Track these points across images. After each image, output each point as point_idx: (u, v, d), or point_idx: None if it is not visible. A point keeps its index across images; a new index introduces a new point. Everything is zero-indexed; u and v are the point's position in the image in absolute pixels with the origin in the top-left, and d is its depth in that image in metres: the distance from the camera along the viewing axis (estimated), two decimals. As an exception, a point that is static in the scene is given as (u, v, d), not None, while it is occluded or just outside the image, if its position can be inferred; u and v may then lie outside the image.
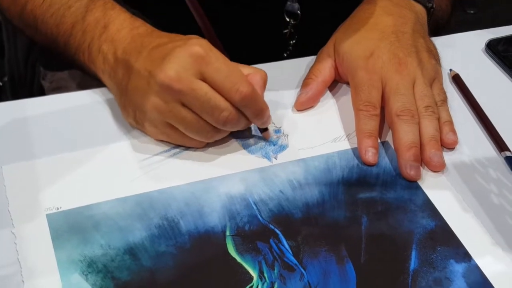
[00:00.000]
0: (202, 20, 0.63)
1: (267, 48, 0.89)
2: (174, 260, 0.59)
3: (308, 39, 0.91)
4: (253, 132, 0.71)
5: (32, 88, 1.07)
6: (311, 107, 0.76)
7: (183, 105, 0.63)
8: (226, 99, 0.63)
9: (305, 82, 0.76)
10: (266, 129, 0.70)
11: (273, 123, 0.72)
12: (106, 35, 0.70)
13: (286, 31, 0.90)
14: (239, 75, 0.63)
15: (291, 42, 0.91)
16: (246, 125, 0.67)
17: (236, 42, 0.87)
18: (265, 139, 0.70)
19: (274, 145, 0.70)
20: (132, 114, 0.68)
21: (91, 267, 0.58)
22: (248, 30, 0.88)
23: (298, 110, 0.75)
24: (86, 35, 0.71)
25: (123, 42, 0.68)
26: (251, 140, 0.70)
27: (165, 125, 0.66)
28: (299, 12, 0.89)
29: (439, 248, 0.61)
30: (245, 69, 0.67)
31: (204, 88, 0.62)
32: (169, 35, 0.68)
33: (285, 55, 0.93)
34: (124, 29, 0.69)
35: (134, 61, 0.66)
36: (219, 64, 0.63)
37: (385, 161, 0.70)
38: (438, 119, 0.72)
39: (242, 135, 0.70)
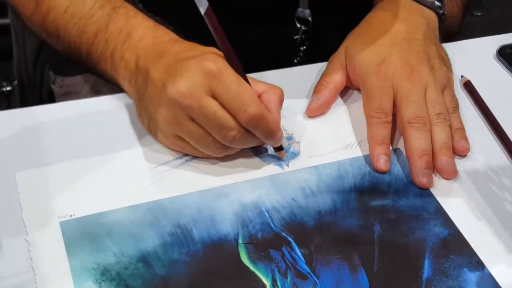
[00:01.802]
0: (218, 35, 0.63)
1: (277, 54, 0.89)
2: (187, 268, 0.59)
3: (318, 45, 0.91)
4: (268, 151, 0.70)
5: (42, 93, 1.07)
6: (323, 113, 0.75)
7: (192, 120, 0.63)
8: (235, 118, 0.63)
9: (317, 89, 0.76)
10: (281, 148, 0.69)
11: (284, 130, 0.72)
12: (129, 43, 0.70)
13: (297, 37, 0.90)
14: (249, 95, 0.63)
15: (302, 48, 0.91)
16: (258, 143, 0.67)
17: (247, 47, 0.87)
18: (281, 158, 0.69)
19: (286, 152, 0.70)
20: (147, 122, 0.68)
21: (104, 275, 0.58)
22: (259, 36, 0.88)
23: (310, 117, 0.75)
24: (109, 44, 0.71)
25: (146, 50, 0.69)
26: (263, 148, 0.70)
27: (176, 136, 0.66)
28: (310, 18, 0.89)
29: (452, 257, 0.61)
30: (261, 86, 0.66)
31: (213, 106, 0.62)
32: (189, 45, 0.68)
33: (295, 61, 0.93)
34: (147, 37, 0.70)
35: (153, 70, 0.66)
36: (229, 82, 0.62)
37: (397, 169, 0.70)
38: (450, 126, 0.72)
39: (255, 148, 0.70)
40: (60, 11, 0.75)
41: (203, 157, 0.68)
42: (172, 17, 0.79)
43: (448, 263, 0.61)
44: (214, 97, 0.63)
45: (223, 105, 0.63)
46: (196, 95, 0.62)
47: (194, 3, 0.60)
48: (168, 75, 0.64)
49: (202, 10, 0.60)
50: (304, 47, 0.91)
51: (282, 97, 0.67)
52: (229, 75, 0.63)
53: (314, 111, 0.75)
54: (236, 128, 0.63)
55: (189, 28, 0.72)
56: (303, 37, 0.90)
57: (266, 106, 0.65)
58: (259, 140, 0.66)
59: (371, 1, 0.89)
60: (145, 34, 0.70)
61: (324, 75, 0.77)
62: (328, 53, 0.81)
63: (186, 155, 0.69)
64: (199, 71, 0.63)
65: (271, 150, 0.70)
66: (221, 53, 0.65)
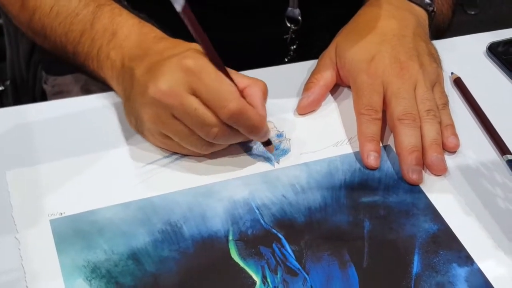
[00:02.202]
0: (196, 32, 0.62)
1: (268, 53, 0.89)
2: (177, 265, 0.59)
3: (309, 44, 0.91)
4: (259, 148, 0.70)
5: (34, 92, 1.07)
6: (313, 111, 0.76)
7: (176, 118, 0.63)
8: (216, 115, 0.63)
9: (307, 86, 0.76)
10: (269, 143, 0.69)
11: (275, 127, 0.72)
12: (114, 42, 0.70)
13: (287, 36, 0.91)
14: (228, 91, 0.62)
15: (292, 47, 0.91)
16: (244, 139, 0.67)
17: (237, 47, 0.87)
18: (270, 152, 0.69)
19: (276, 149, 0.70)
20: (134, 122, 0.68)
21: (94, 272, 0.58)
22: (249, 36, 0.88)
23: (300, 114, 0.75)
24: (95, 43, 0.72)
25: (131, 49, 0.69)
26: (253, 145, 0.70)
27: (162, 135, 0.66)
28: (299, 17, 0.89)
29: (441, 252, 0.62)
30: (243, 80, 0.66)
31: (194, 103, 0.62)
32: (174, 42, 0.68)
33: (286, 60, 0.93)
34: (132, 35, 0.70)
35: (137, 69, 0.66)
36: (209, 79, 0.62)
37: (387, 165, 0.70)
38: (440, 123, 0.72)
39: (244, 144, 0.70)
40: (45, 10, 0.75)
41: (191, 155, 0.68)
42: (157, 13, 0.79)
43: (437, 259, 0.61)
44: (195, 94, 0.63)
45: (203, 102, 0.62)
46: (177, 93, 0.62)
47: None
48: (151, 74, 0.64)
49: (178, 8, 0.59)
50: (294, 47, 0.91)
51: (266, 91, 0.67)
52: (209, 72, 0.63)
53: (305, 109, 0.75)
54: (217, 125, 0.63)
55: (175, 24, 0.72)
56: (293, 36, 0.90)
57: (249, 100, 0.64)
58: (244, 136, 0.66)
59: (361, 0, 0.89)
60: (130, 32, 0.70)
61: (314, 72, 0.77)
62: (318, 52, 0.81)
63: (176, 153, 0.69)
64: (179, 69, 0.63)
65: (261, 147, 0.70)
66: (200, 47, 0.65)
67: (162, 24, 0.73)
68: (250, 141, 0.70)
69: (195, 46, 0.66)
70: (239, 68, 0.75)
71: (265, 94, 0.67)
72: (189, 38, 0.67)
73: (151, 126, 0.65)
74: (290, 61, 0.92)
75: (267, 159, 0.69)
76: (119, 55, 0.69)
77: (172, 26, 0.72)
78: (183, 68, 0.63)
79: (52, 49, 0.77)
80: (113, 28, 0.71)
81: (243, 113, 0.63)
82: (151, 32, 0.70)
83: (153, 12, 0.77)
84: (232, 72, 0.65)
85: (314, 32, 0.92)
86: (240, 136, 0.66)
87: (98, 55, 0.71)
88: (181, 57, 0.63)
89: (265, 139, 0.68)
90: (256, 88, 0.66)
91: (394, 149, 0.71)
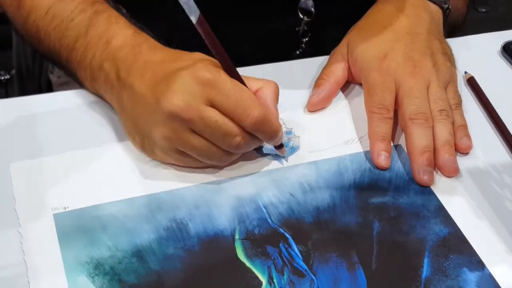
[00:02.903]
0: (212, 43, 0.60)
1: (279, 45, 0.88)
2: (182, 263, 0.58)
3: (321, 37, 0.90)
4: (267, 151, 0.69)
5: (40, 82, 1.06)
6: (323, 108, 0.74)
7: (194, 132, 0.61)
8: (238, 124, 0.61)
9: (317, 83, 0.75)
10: (281, 146, 0.67)
11: (284, 124, 0.71)
12: (108, 51, 0.67)
13: (299, 28, 0.89)
14: (249, 99, 0.61)
15: (304, 40, 0.90)
16: (259, 144, 0.66)
17: (248, 37, 0.86)
18: (282, 155, 0.68)
19: (285, 147, 0.69)
20: (139, 141, 0.66)
21: (98, 269, 0.57)
22: (261, 26, 0.87)
23: (310, 111, 0.74)
24: (88, 51, 0.69)
25: (126, 61, 0.66)
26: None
27: (177, 152, 0.64)
28: (313, 9, 0.87)
29: (452, 256, 0.60)
30: (254, 83, 0.65)
31: (213, 115, 0.61)
32: (171, 53, 0.66)
33: (297, 52, 0.91)
34: (126, 46, 0.67)
35: (138, 84, 0.64)
36: (228, 89, 0.61)
37: (398, 165, 0.68)
38: (453, 123, 0.71)
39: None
40: (41, 12, 0.73)
41: (206, 167, 0.66)
42: (157, 22, 0.78)
43: (447, 263, 0.60)
44: (213, 106, 0.61)
45: (224, 113, 0.61)
46: (194, 107, 0.60)
47: (182, 9, 0.58)
48: (159, 89, 0.62)
49: (194, 19, 0.58)
50: (306, 39, 0.90)
51: (278, 92, 0.66)
52: (226, 82, 0.61)
53: (315, 106, 0.74)
54: (240, 133, 0.62)
55: (176, 33, 0.71)
56: (306, 28, 0.89)
57: (262, 103, 0.63)
58: (261, 142, 0.65)
59: None
60: (125, 43, 0.67)
61: (325, 69, 0.76)
62: (330, 45, 0.79)
63: None
64: (194, 82, 0.61)
65: (269, 145, 0.69)
66: (210, 58, 0.64)
67: (161, 33, 0.72)
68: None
69: (200, 56, 0.64)
70: (250, 59, 0.74)
71: (277, 95, 0.65)
72: (188, 48, 0.66)
73: (166, 144, 0.63)
74: (301, 54, 0.91)
75: (276, 157, 0.68)
76: (114, 68, 0.67)
77: (172, 35, 0.71)
78: (199, 81, 0.60)
79: (46, 53, 0.75)
80: (108, 36, 0.68)
81: (267, 119, 0.62)
82: (145, 42, 0.67)
83: (153, 20, 0.75)
84: (242, 76, 0.64)
85: (326, 25, 0.90)
86: (258, 142, 0.65)
87: (91, 64, 0.69)
88: (194, 69, 0.61)
89: (280, 143, 0.67)
90: (268, 90, 0.65)
91: (405, 149, 0.69)
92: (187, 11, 0.58)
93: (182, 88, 0.60)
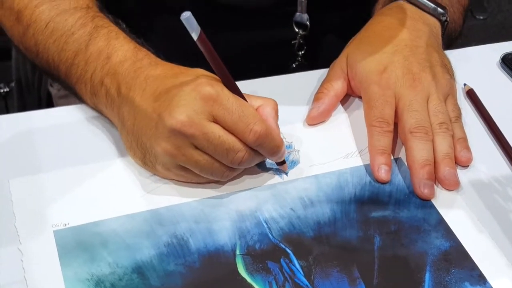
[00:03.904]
0: (213, 59, 0.61)
1: (275, 59, 0.88)
2: (183, 279, 0.58)
3: (317, 50, 0.90)
4: (268, 165, 0.68)
5: (40, 95, 1.06)
6: (323, 121, 0.74)
7: (196, 148, 0.61)
8: (240, 140, 0.61)
9: (317, 96, 0.75)
10: (283, 162, 0.67)
11: (284, 138, 0.71)
12: (108, 67, 0.67)
13: (294, 42, 0.89)
14: (251, 114, 0.62)
15: (300, 53, 0.90)
16: (261, 159, 0.66)
17: (244, 50, 0.86)
18: (284, 171, 0.68)
19: (285, 160, 0.69)
20: (141, 156, 0.65)
21: (98, 286, 0.57)
22: (257, 38, 0.87)
23: (310, 125, 0.74)
24: (89, 66, 0.69)
25: (127, 76, 0.66)
26: (262, 156, 0.69)
27: (179, 167, 0.64)
28: (308, 23, 0.88)
29: (453, 270, 0.60)
30: (255, 101, 0.65)
31: (216, 131, 0.61)
32: (173, 69, 0.66)
33: (293, 66, 0.91)
34: (127, 61, 0.67)
35: (139, 99, 0.64)
36: (230, 104, 0.61)
37: (399, 179, 0.68)
38: (452, 136, 0.71)
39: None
40: (40, 26, 0.73)
41: (206, 183, 0.66)
42: (157, 36, 0.77)
43: (449, 277, 0.60)
44: (216, 121, 0.61)
45: (227, 128, 0.61)
46: (197, 122, 0.60)
47: (183, 26, 0.58)
48: (161, 105, 0.62)
49: (195, 36, 0.58)
50: (302, 52, 0.90)
51: (277, 109, 0.66)
52: (228, 97, 0.61)
53: (315, 119, 0.74)
54: (243, 149, 0.62)
55: (175, 49, 0.71)
56: (301, 41, 0.89)
57: (265, 119, 0.64)
58: (263, 157, 0.65)
59: (370, 6, 0.88)
60: (125, 58, 0.67)
61: (324, 82, 0.76)
62: (326, 58, 0.79)
63: None
64: (197, 98, 0.61)
65: (271, 165, 0.68)
66: (211, 74, 0.64)
67: (161, 48, 0.72)
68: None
69: (201, 72, 0.64)
70: (246, 73, 0.74)
71: (277, 112, 0.66)
72: (188, 63, 0.66)
73: (168, 159, 0.63)
74: (297, 67, 0.91)
75: (276, 171, 0.68)
76: (114, 83, 0.67)
77: (172, 50, 0.71)
78: (202, 97, 0.61)
79: (44, 67, 0.74)
80: (108, 51, 0.68)
81: (269, 134, 0.62)
82: (145, 58, 0.68)
83: (153, 35, 0.75)
84: (246, 95, 0.64)
85: (322, 38, 0.91)
86: (260, 157, 0.65)
87: (92, 79, 0.69)
88: (196, 84, 0.61)
89: (282, 159, 0.67)
90: (269, 108, 0.65)
91: (406, 162, 0.69)
92: (188, 28, 0.58)
93: (185, 104, 0.60)
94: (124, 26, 0.74)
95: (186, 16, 0.57)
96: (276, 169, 0.68)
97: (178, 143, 0.61)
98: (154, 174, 0.66)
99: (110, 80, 0.67)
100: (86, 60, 0.69)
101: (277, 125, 0.65)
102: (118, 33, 0.70)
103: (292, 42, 0.90)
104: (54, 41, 0.72)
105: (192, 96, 0.61)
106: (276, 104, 0.66)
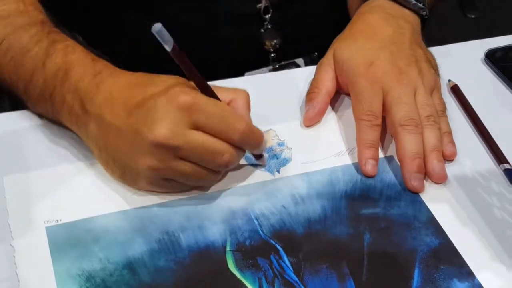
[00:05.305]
0: (188, 69, 0.61)
1: (243, 27, 0.88)
2: (173, 275, 0.59)
3: (284, 13, 0.90)
4: (248, 161, 0.69)
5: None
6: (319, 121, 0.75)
7: (181, 158, 0.61)
8: (224, 140, 0.61)
9: (310, 96, 0.75)
10: (261, 155, 0.68)
11: (276, 135, 0.71)
12: (68, 84, 0.65)
13: (260, 5, 0.88)
14: (231, 114, 0.62)
15: (267, 16, 0.89)
16: (243, 155, 0.66)
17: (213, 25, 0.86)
18: (262, 165, 0.68)
19: (277, 158, 0.69)
20: (119, 172, 0.64)
21: (89, 281, 0.58)
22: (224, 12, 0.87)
23: (307, 126, 0.74)
24: (48, 84, 0.67)
25: (89, 92, 0.64)
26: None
27: (163, 180, 0.63)
28: None
29: (442, 267, 0.61)
30: (225, 94, 0.64)
31: (200, 138, 0.60)
32: (137, 77, 0.64)
33: (262, 30, 0.90)
34: (86, 76, 0.65)
35: (110, 116, 0.62)
36: (209, 108, 0.61)
37: (389, 176, 0.69)
38: (439, 129, 0.71)
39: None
40: None
41: (190, 191, 0.65)
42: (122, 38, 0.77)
43: (438, 274, 0.60)
44: (197, 128, 0.60)
45: (209, 132, 0.61)
46: (180, 133, 0.59)
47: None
48: (137, 120, 0.60)
49: (168, 48, 0.57)
50: (269, 15, 0.89)
51: (249, 99, 0.66)
52: (206, 101, 0.61)
53: (312, 120, 0.74)
54: (228, 150, 0.62)
55: (138, 59, 0.70)
56: (267, 4, 0.88)
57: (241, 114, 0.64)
58: (244, 152, 0.65)
59: None
60: (84, 73, 0.65)
61: (314, 80, 0.76)
62: (295, 22, 0.81)
63: None
64: (175, 108, 0.60)
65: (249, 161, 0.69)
66: (182, 79, 0.63)
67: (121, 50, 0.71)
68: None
69: (171, 80, 0.63)
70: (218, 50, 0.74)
71: (249, 104, 0.65)
72: (138, 67, 0.66)
73: (151, 174, 0.62)
74: (266, 31, 0.90)
75: (267, 169, 0.68)
76: (77, 100, 0.65)
77: (135, 60, 0.70)
78: (178, 106, 0.60)
79: (2, 85, 0.72)
80: (66, 67, 0.66)
81: (251, 129, 0.63)
82: (104, 69, 0.66)
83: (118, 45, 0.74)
84: (213, 87, 0.63)
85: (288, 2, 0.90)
86: (243, 153, 0.65)
87: (53, 97, 0.66)
88: (170, 94, 0.60)
89: (261, 152, 0.67)
90: (241, 101, 0.65)
91: (396, 159, 0.70)
92: (160, 40, 0.56)
93: (162, 116, 0.60)
94: (81, 39, 0.72)
95: (158, 29, 0.56)
96: (267, 168, 0.68)
97: (162, 157, 0.60)
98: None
99: (71, 97, 0.65)
100: (45, 78, 0.67)
101: (249, 116, 0.65)
102: (75, 47, 0.68)
103: (257, 6, 0.89)
104: (10, 59, 0.69)
105: (170, 108, 0.60)
106: (248, 95, 0.66)
